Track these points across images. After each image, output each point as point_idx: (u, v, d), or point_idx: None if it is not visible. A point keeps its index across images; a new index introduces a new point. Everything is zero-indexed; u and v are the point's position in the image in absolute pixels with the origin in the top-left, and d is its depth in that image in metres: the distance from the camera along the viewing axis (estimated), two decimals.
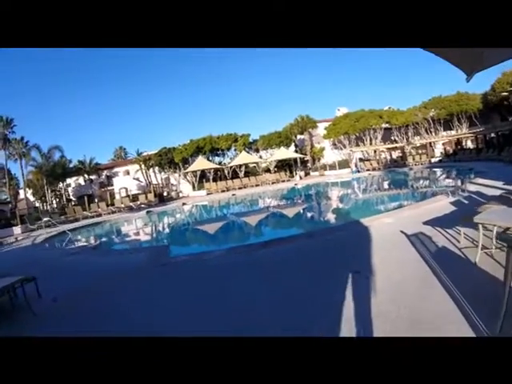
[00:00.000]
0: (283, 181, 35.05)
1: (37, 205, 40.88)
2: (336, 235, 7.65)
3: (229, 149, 39.37)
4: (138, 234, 19.32)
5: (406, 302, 3.73)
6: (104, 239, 18.58)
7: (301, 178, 35.86)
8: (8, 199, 39.17)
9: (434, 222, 6.91)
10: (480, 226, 4.44)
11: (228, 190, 33.55)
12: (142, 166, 39.94)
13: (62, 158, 40.10)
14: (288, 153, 37.61)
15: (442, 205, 9.43)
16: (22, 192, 42.86)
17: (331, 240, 7.24)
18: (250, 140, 39.69)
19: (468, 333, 2.94)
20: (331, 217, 15.10)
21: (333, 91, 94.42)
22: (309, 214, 17.09)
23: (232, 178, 36.04)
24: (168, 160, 38.28)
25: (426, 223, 6.99)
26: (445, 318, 3.19)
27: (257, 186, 34.16)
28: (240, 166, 36.75)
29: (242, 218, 18.48)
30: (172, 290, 5.62)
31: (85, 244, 15.23)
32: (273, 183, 34.12)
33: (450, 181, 17.63)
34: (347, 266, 5.23)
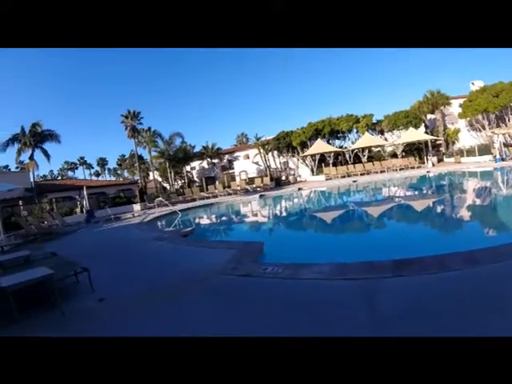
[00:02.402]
0: (412, 167, 35.75)
1: (165, 185, 52.54)
2: None
3: (350, 131, 42.91)
4: (241, 220, 20.69)
5: None
6: (203, 223, 21.27)
7: (433, 164, 36.48)
8: (138, 180, 52.66)
9: None
10: None
11: (349, 175, 35.78)
12: (261, 150, 47.17)
13: (182, 144, 50.10)
14: (417, 134, 38.43)
15: None
16: (151, 174, 54.76)
17: None
18: (374, 121, 42.44)
19: None
20: (499, 227, 10.93)
21: (464, 62, 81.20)
22: (458, 219, 13.09)
23: (354, 163, 38.91)
24: (286, 144, 44.15)
25: None
26: None
27: (382, 172, 35.45)
28: (362, 149, 39.71)
29: (362, 213, 17.01)
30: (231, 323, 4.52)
31: (181, 228, 16.94)
32: (400, 169, 34.92)
33: None
34: None
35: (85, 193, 28.28)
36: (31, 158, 38.23)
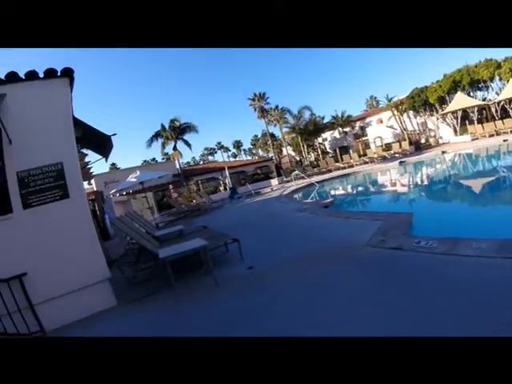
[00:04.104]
0: None
1: (299, 159, 53.36)
2: None
3: (492, 79, 35.99)
4: (382, 190, 19.54)
5: None
6: (342, 193, 20.89)
7: None
8: (272, 157, 54.22)
9: None
10: None
11: (498, 133, 29.75)
12: (395, 111, 44.25)
13: (312, 116, 50.15)
14: None
15: None
16: (284, 150, 57.24)
17: None
18: None
19: None
20: None
21: None
22: None
23: (501, 118, 32.38)
24: (422, 102, 39.84)
25: None
26: None
27: None
28: (510, 100, 33.15)
29: None
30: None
31: (320, 199, 17.44)
32: None
33: None
34: None
35: (226, 173, 31.12)
36: (174, 148, 44.13)
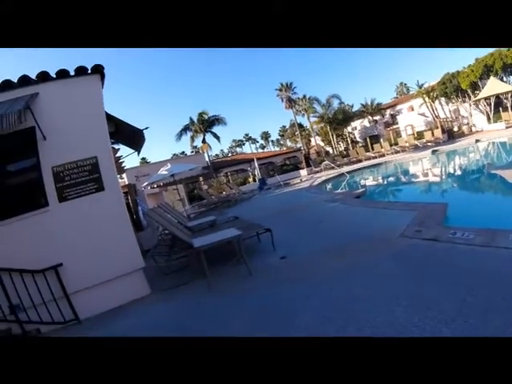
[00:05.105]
0: None
1: (328, 149, 52.64)
2: None
3: None
4: (414, 180, 18.97)
5: None
6: (374, 184, 20.40)
7: None
8: (301, 147, 54.26)
9: None
10: None
11: None
12: (426, 98, 42.36)
13: (340, 105, 49.52)
14: None
15: None
16: (313, 140, 56.70)
17: None
18: None
19: None
20: None
21: None
22: None
23: None
24: (454, 88, 38.11)
25: None
26: None
27: None
28: None
29: None
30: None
31: (351, 189, 17.38)
32: None
33: None
34: None
35: (256, 164, 31.27)
36: (203, 141, 44.83)
